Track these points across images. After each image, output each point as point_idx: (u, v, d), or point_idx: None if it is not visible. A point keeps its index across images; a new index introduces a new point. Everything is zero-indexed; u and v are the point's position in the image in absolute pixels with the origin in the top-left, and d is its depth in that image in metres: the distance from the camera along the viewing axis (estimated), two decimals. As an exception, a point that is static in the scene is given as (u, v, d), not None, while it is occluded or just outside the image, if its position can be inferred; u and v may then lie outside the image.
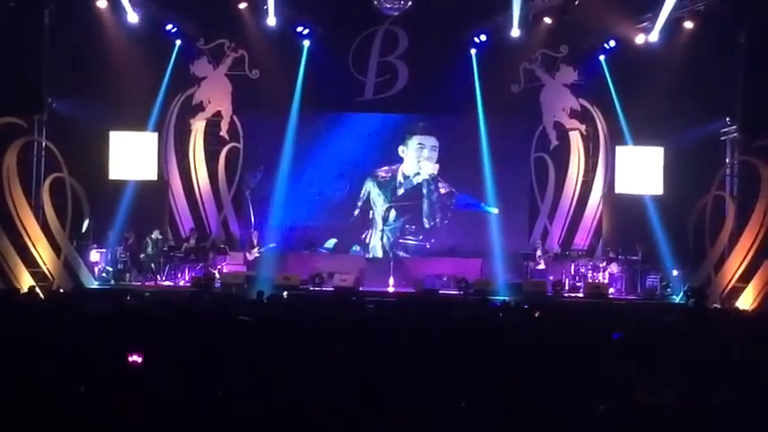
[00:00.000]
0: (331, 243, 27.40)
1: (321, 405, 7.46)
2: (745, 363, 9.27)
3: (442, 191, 27.67)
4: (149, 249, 25.49)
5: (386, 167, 27.72)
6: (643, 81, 25.92)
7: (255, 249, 26.11)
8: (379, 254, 27.54)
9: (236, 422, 7.07)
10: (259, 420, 7.07)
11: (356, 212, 27.72)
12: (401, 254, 27.41)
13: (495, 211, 27.07)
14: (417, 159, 27.56)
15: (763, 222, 23.11)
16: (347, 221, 27.67)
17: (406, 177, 27.70)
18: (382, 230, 27.70)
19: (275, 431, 7.04)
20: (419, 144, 27.56)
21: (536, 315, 14.47)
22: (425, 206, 27.68)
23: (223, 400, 7.49)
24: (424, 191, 27.65)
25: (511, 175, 27.50)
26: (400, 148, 27.63)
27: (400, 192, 27.74)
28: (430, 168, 27.53)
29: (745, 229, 23.49)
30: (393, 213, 27.71)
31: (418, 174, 27.58)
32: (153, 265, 25.51)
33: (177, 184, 27.43)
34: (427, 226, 27.73)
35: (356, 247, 27.59)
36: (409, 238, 27.74)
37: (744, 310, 19.25)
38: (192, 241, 26.29)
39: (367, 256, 27.41)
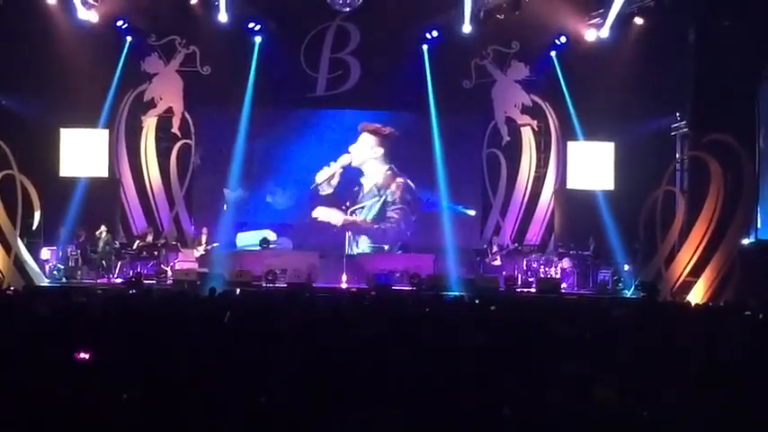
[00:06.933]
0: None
1: (273, 400, 7.46)
2: (694, 357, 9.34)
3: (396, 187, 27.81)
4: (100, 247, 25.31)
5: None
6: (594, 77, 26.10)
7: (202, 247, 25.95)
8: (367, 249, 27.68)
9: (186, 420, 7.03)
10: (207, 417, 7.03)
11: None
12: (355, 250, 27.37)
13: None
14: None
15: (712, 217, 23.28)
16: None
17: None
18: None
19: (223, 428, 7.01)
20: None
21: (492, 308, 14.54)
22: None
23: (174, 399, 7.44)
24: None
25: (463, 170, 27.58)
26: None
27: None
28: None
29: (696, 223, 23.64)
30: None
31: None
32: (104, 263, 25.33)
33: (129, 180, 27.26)
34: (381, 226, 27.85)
35: None
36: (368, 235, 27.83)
37: (694, 305, 19.36)
38: (149, 238, 26.07)
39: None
